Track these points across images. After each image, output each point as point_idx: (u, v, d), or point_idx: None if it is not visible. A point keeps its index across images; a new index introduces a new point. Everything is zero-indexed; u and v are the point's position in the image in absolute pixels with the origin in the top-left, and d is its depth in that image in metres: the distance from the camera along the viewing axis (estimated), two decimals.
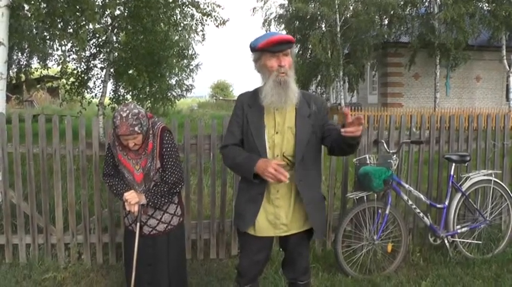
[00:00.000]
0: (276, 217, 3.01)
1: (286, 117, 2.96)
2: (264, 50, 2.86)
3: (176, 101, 18.13)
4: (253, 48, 2.92)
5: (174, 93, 23.60)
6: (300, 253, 3.20)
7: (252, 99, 3.02)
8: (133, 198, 3.24)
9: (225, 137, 3.18)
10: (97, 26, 9.84)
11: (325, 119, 3.07)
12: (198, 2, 13.09)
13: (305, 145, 2.96)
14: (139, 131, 3.13)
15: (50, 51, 14.91)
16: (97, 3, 10.54)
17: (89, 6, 8.44)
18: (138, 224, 3.32)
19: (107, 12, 12.21)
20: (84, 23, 9.87)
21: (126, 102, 3.23)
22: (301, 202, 3.01)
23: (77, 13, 9.09)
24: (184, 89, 28.69)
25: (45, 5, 8.86)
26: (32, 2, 7.71)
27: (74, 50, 12.55)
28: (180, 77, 28.87)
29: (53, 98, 35.68)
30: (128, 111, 3.10)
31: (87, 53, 13.63)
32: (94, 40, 13.31)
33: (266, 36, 2.87)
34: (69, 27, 10.51)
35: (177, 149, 3.44)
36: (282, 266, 3.40)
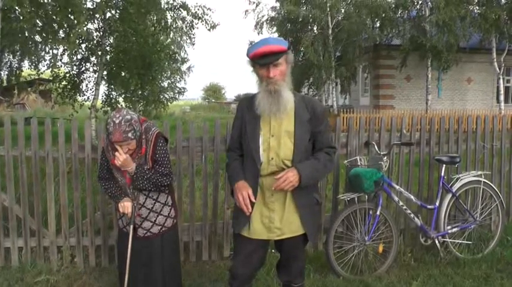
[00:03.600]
0: (270, 221, 3.03)
1: (283, 121, 2.98)
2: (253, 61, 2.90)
3: (169, 103, 18.09)
4: (247, 55, 2.93)
5: (166, 95, 23.58)
6: (295, 256, 3.23)
7: (250, 103, 3.05)
8: (127, 207, 3.34)
9: (229, 140, 3.26)
10: (84, 28, 9.84)
11: (318, 128, 3.08)
12: (187, 4, 13.16)
13: (303, 151, 3.01)
14: (132, 137, 3.16)
15: (42, 53, 14.87)
16: (86, 5, 10.57)
17: (77, 8, 8.45)
18: (131, 226, 3.36)
19: (97, 15, 12.22)
20: (75, 24, 9.85)
21: (119, 108, 3.26)
22: (295, 205, 3.04)
23: (69, 15, 9.09)
24: (176, 91, 28.67)
25: (34, 9, 8.86)
26: (25, 6, 7.70)
27: (66, 53, 12.54)
28: (173, 80, 28.86)
29: (45, 102, 35.52)
30: (120, 118, 3.12)
31: (79, 56, 13.61)
32: (86, 43, 13.30)
33: (256, 45, 2.88)
34: (62, 30, 10.51)
35: (169, 156, 3.47)
36: (277, 268, 3.42)
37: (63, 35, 10.46)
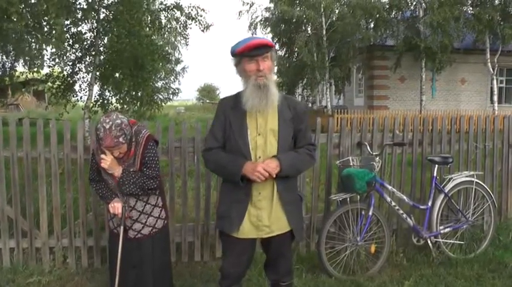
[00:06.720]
0: (259, 219, 3.04)
1: (268, 119, 3.01)
2: (242, 55, 2.92)
3: (163, 104, 18.06)
4: (233, 53, 2.97)
5: (160, 96, 23.52)
6: (282, 254, 3.24)
7: (234, 102, 3.06)
8: (118, 208, 3.32)
9: (207, 140, 3.22)
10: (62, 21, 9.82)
11: (300, 126, 3.11)
12: (181, 5, 13.16)
13: (287, 149, 3.03)
14: (123, 141, 3.16)
15: (34, 53, 14.82)
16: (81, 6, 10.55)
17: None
18: (122, 227, 3.35)
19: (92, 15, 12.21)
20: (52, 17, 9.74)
21: (108, 112, 3.26)
22: (282, 203, 3.05)
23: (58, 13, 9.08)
24: (170, 92, 28.65)
25: (28, 9, 8.84)
26: (15, 6, 7.67)
27: (58, 53, 12.52)
28: (167, 81, 28.84)
29: (39, 102, 35.37)
30: (110, 123, 3.11)
31: (73, 57, 13.57)
32: (79, 44, 13.26)
33: (244, 41, 2.93)
34: (47, 28, 10.48)
35: (158, 159, 3.45)
36: (265, 267, 3.43)
37: (51, 33, 10.41)
